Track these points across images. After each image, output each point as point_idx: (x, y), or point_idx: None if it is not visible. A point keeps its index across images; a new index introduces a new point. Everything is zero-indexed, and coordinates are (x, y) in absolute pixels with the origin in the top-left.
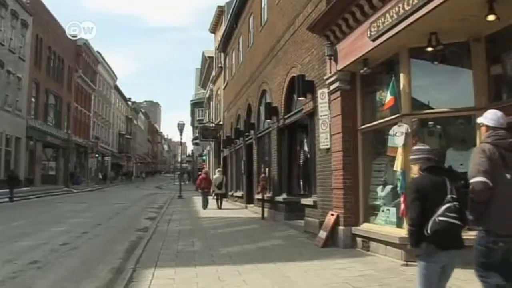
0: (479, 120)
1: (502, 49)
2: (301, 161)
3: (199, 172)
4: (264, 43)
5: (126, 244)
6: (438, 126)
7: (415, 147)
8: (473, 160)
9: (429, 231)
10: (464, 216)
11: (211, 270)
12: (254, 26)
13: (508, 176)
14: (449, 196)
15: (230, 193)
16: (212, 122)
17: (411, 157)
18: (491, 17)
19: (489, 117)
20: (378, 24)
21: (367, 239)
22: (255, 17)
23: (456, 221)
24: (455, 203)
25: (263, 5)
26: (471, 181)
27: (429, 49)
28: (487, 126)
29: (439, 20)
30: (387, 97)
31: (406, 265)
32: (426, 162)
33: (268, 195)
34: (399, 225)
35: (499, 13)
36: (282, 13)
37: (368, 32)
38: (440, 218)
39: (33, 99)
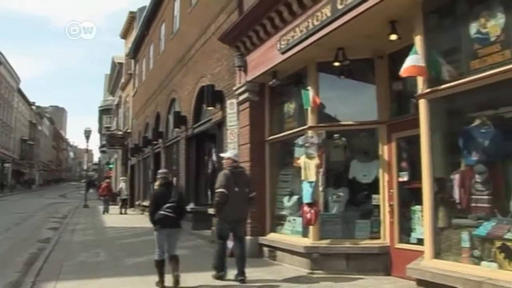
0: (223, 155)
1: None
2: (209, 171)
3: (101, 183)
4: (175, 52)
5: (26, 256)
6: (343, 138)
7: (160, 170)
8: (218, 178)
9: (155, 219)
10: (178, 211)
11: (116, 282)
12: (166, 34)
13: (236, 189)
14: (171, 199)
15: (137, 202)
16: (120, 130)
17: (157, 176)
18: (393, 37)
19: (232, 154)
20: (287, 37)
21: (273, 249)
22: (167, 24)
23: (170, 214)
24: (172, 203)
25: (175, 13)
26: (216, 190)
27: (336, 64)
28: (231, 159)
29: (345, 37)
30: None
31: (312, 273)
32: (163, 180)
33: None
34: (304, 234)
35: (400, 34)
36: (194, 22)
37: (278, 45)
38: (160, 212)
39: None
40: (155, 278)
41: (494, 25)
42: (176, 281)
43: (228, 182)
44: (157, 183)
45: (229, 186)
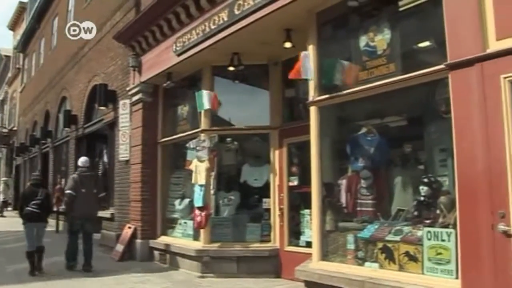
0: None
1: None
2: (100, 173)
3: None
4: (67, 48)
5: None
6: (236, 142)
7: (33, 173)
8: (67, 182)
9: (23, 214)
10: (43, 207)
11: None
12: (59, 28)
13: (83, 190)
14: (37, 197)
15: None
16: (5, 127)
17: (31, 178)
18: (287, 44)
19: (80, 161)
20: (184, 39)
21: (164, 252)
22: (60, 19)
23: (35, 210)
24: (38, 201)
25: (69, 8)
26: (65, 192)
27: (231, 68)
28: (79, 166)
29: (241, 42)
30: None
31: (202, 277)
32: (34, 181)
33: (63, 207)
34: (195, 237)
35: (295, 42)
36: (89, 19)
37: (174, 47)
38: (27, 208)
39: None
40: (37, 284)
41: (381, 39)
42: (40, 269)
43: (75, 185)
44: (28, 183)
45: (76, 188)
